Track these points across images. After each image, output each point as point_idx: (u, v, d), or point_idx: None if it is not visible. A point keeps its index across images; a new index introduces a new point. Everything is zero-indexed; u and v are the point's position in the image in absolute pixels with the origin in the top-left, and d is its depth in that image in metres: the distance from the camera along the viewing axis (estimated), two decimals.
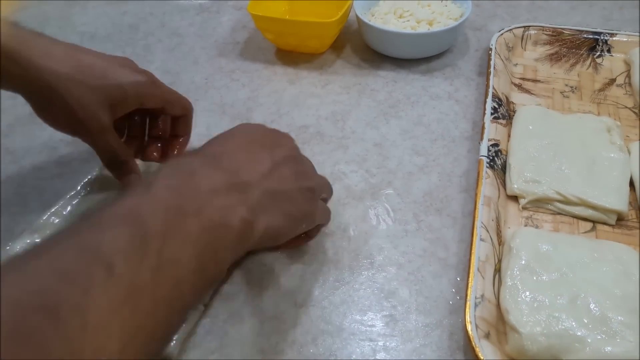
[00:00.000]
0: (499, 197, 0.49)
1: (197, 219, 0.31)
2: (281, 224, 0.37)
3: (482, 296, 0.41)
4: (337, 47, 0.72)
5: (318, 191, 0.42)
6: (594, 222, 0.48)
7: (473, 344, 0.38)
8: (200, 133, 0.60)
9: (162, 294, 0.28)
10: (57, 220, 0.48)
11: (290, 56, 0.71)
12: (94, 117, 0.45)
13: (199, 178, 0.33)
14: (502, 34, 0.66)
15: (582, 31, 0.67)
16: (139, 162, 0.51)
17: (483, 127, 0.54)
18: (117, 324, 0.25)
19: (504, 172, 0.52)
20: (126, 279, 0.26)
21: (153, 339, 0.28)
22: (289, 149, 0.41)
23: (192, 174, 0.34)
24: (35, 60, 0.42)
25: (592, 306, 0.40)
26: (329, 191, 0.46)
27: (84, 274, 0.25)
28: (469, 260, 0.43)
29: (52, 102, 0.44)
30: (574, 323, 0.39)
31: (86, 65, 0.44)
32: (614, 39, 0.66)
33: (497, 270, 0.44)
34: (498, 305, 0.42)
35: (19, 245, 0.46)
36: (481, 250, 0.44)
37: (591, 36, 0.67)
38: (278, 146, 0.40)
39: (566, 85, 0.63)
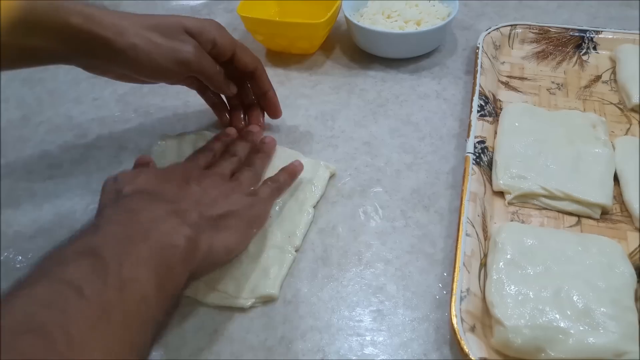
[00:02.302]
0: (485, 193, 0.50)
1: (146, 244, 0.35)
2: (227, 239, 0.41)
3: (468, 290, 0.42)
4: (326, 47, 0.72)
5: (245, 191, 0.48)
6: (579, 216, 0.49)
7: (458, 337, 0.39)
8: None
9: (130, 309, 0.31)
10: None
11: (281, 57, 0.71)
12: (187, 42, 0.49)
13: (139, 211, 0.38)
14: (489, 33, 0.67)
15: (568, 29, 0.68)
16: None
17: (469, 125, 0.55)
18: (97, 338, 0.29)
19: (491, 169, 0.53)
20: (95, 298, 0.30)
21: (132, 350, 0.31)
22: (207, 175, 0.47)
23: (132, 210, 0.38)
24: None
25: (575, 298, 0.40)
26: (256, 180, 0.51)
27: (58, 298, 0.29)
28: (455, 254, 0.44)
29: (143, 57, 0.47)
30: (557, 315, 0.39)
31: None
32: (599, 36, 0.67)
33: (483, 265, 0.45)
34: (484, 299, 0.42)
35: None
36: (467, 245, 0.44)
37: (577, 34, 0.67)
38: (195, 174, 0.47)
39: (552, 82, 0.64)
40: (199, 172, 0.48)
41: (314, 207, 0.51)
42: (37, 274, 0.31)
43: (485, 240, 0.47)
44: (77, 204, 0.54)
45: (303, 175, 0.53)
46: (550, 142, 0.53)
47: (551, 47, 0.68)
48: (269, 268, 0.46)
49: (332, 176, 0.54)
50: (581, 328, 0.38)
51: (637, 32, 0.66)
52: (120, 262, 0.32)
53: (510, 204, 0.50)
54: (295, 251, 0.48)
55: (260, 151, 0.54)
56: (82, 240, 0.34)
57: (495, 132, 0.56)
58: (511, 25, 0.69)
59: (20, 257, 0.49)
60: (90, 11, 0.44)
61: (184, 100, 0.66)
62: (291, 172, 0.51)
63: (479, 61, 0.62)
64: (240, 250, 0.45)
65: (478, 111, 0.56)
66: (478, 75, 0.61)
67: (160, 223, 0.37)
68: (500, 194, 0.51)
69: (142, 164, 0.51)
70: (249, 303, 0.44)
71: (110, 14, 0.46)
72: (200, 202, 0.43)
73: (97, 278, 0.31)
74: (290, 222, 0.49)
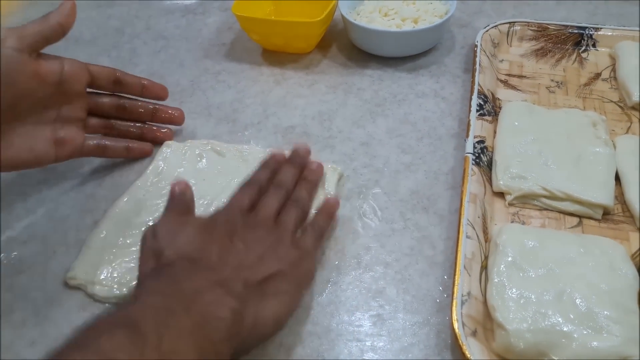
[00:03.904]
0: (485, 193, 0.49)
1: (188, 315, 0.33)
2: (276, 307, 0.38)
3: (469, 294, 0.41)
4: (323, 46, 0.71)
5: (291, 237, 0.43)
6: (581, 217, 0.48)
7: (460, 342, 0.38)
8: (187, 136, 0.60)
9: None
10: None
11: (277, 56, 0.71)
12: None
13: (181, 280, 0.36)
14: (487, 31, 0.66)
15: (567, 26, 0.67)
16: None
17: (469, 124, 0.54)
18: None
19: (490, 169, 0.52)
20: None
21: None
22: (252, 225, 0.42)
23: (174, 278, 0.36)
24: None
25: (578, 301, 0.39)
26: (302, 217, 0.46)
27: None
28: (455, 258, 0.43)
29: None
30: (560, 319, 0.39)
31: None
32: (599, 33, 0.66)
33: (484, 268, 0.44)
34: (485, 303, 0.42)
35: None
36: (467, 247, 0.44)
37: (576, 31, 0.67)
38: (240, 227, 0.42)
39: (552, 80, 0.63)
40: (243, 222, 0.42)
41: None
42: (71, 346, 0.29)
43: (485, 242, 0.46)
44: (71, 208, 0.53)
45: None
46: (550, 141, 0.53)
47: (550, 45, 0.67)
48: None
49: (340, 178, 0.54)
50: (584, 332, 0.38)
51: (637, 28, 0.65)
52: (159, 334, 0.31)
53: (510, 204, 0.49)
54: None
55: (306, 180, 0.49)
56: (120, 312, 0.33)
57: (495, 132, 0.55)
58: (509, 23, 0.68)
59: (13, 263, 0.48)
60: None
61: (179, 102, 0.65)
62: (329, 213, 0.48)
63: (477, 59, 0.62)
64: (290, 316, 0.40)
65: (477, 110, 0.56)
66: (477, 73, 0.60)
67: (205, 293, 0.35)
68: (501, 194, 0.50)
69: (179, 193, 0.43)
70: None
71: None
72: (245, 265, 0.39)
73: (134, 350, 0.29)
74: None
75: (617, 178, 0.50)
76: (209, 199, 0.51)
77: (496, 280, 0.41)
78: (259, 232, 0.42)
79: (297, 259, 0.41)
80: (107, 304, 0.44)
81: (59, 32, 0.47)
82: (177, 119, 0.59)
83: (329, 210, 0.48)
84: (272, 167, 0.49)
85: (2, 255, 0.49)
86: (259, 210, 0.44)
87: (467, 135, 0.53)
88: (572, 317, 0.39)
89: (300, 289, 0.41)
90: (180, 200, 0.43)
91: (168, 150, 0.57)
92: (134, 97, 0.56)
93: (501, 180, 0.50)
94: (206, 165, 0.55)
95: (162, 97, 0.58)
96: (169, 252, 0.38)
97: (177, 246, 0.39)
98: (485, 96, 0.58)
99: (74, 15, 0.48)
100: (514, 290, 0.41)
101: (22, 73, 0.45)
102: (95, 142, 0.54)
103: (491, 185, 0.51)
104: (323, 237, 0.47)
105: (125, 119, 0.57)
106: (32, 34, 0.46)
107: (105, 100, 0.55)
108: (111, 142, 0.55)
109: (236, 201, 0.45)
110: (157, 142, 0.58)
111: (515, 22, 0.68)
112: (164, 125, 0.59)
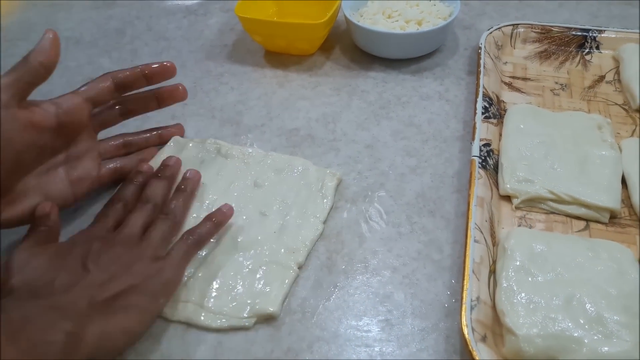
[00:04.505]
0: (491, 197, 0.49)
1: (14, 345, 0.33)
2: (125, 321, 0.38)
3: (478, 298, 0.41)
4: (326, 48, 0.71)
5: (155, 252, 0.43)
6: (588, 220, 0.48)
7: (470, 347, 0.38)
8: (189, 138, 0.59)
9: None
10: None
11: (279, 58, 0.70)
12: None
13: (11, 309, 0.36)
14: (491, 33, 0.66)
15: (570, 28, 0.67)
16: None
17: (474, 127, 0.54)
18: None
19: (497, 172, 0.52)
20: None
21: None
22: (110, 245, 0.43)
23: (5, 309, 0.36)
24: None
25: (587, 306, 0.39)
26: (173, 231, 0.47)
27: None
28: (464, 262, 0.43)
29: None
30: (570, 324, 0.38)
31: None
32: (602, 35, 0.66)
33: (492, 272, 0.44)
34: (494, 307, 0.41)
35: None
36: (475, 251, 0.43)
37: (580, 33, 0.67)
38: (96, 249, 0.42)
39: (556, 82, 0.63)
40: (102, 243, 0.43)
41: (323, 223, 0.49)
42: None
43: (493, 246, 0.46)
44: (72, 212, 0.52)
45: (311, 185, 0.52)
46: (556, 144, 0.53)
47: (554, 47, 0.67)
48: (269, 285, 0.44)
49: (338, 184, 0.53)
50: (594, 337, 0.38)
51: None
52: None
53: (517, 208, 0.49)
54: (299, 268, 0.46)
55: (180, 190, 0.49)
56: None
57: (500, 135, 0.55)
58: (513, 25, 0.68)
59: None
60: None
61: (181, 104, 0.64)
62: (218, 221, 0.47)
63: (481, 61, 0.61)
64: (146, 328, 0.41)
65: (482, 113, 0.55)
66: (481, 75, 0.60)
67: (34, 320, 0.35)
68: (507, 198, 0.50)
69: (42, 216, 0.45)
70: (251, 322, 0.42)
71: None
72: (93, 285, 0.39)
73: None
74: (296, 237, 0.47)
75: (624, 181, 0.50)
76: (207, 203, 0.51)
77: (505, 285, 0.41)
78: (117, 251, 0.42)
79: (155, 271, 0.41)
80: None
81: (43, 73, 0.43)
82: (181, 94, 0.56)
83: (218, 218, 0.47)
84: (139, 182, 0.50)
85: (2, 261, 0.48)
86: (122, 229, 0.45)
87: (473, 138, 0.53)
88: (581, 322, 0.39)
89: (156, 300, 0.41)
90: (40, 229, 0.44)
91: (171, 145, 0.57)
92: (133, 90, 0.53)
93: (508, 183, 0.50)
94: (206, 168, 0.54)
95: (171, 75, 0.54)
96: (13, 282, 0.39)
97: (22, 275, 0.40)
98: (490, 99, 0.58)
99: (56, 50, 0.44)
100: (523, 295, 0.41)
101: (16, 129, 0.42)
102: (110, 166, 0.52)
103: (498, 189, 0.51)
104: (200, 244, 0.46)
105: (134, 114, 0.55)
106: (13, 83, 0.42)
107: (105, 108, 0.52)
108: (126, 161, 0.54)
109: (99, 222, 0.46)
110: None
111: (518, 24, 0.68)
112: (171, 126, 0.59)
